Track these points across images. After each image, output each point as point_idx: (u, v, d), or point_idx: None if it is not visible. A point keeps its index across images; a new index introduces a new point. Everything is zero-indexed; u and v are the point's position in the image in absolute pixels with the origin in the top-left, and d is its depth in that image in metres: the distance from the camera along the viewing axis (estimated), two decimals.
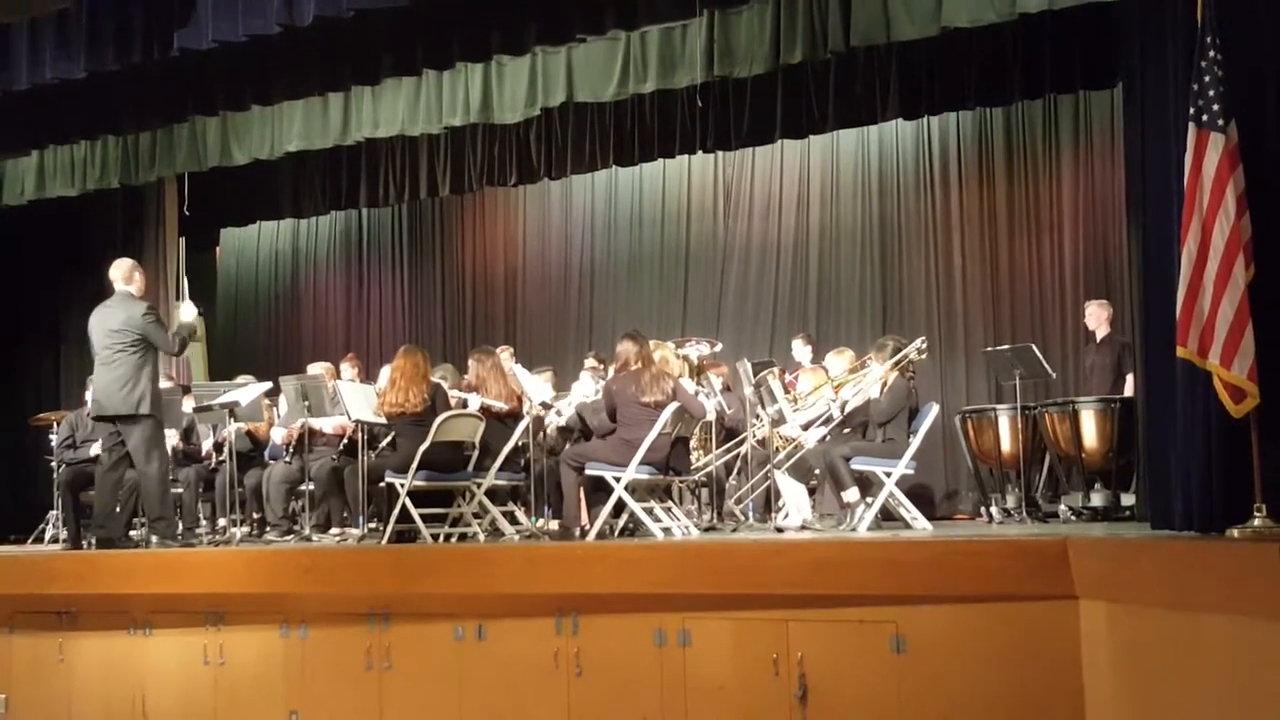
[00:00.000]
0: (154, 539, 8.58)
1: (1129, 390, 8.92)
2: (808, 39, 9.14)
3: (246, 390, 9.63)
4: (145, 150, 11.51)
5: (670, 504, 8.67)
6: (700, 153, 12.09)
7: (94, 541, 8.74)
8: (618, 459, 7.83)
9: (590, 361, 10.54)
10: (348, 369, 10.71)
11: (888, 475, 7.93)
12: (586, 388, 9.42)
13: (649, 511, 8.04)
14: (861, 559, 6.13)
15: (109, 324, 8.50)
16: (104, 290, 12.86)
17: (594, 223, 13.79)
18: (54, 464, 10.42)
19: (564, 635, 6.71)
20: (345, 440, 9.68)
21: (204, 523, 10.45)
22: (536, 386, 9.57)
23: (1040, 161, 11.56)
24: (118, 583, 8.07)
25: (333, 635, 7.46)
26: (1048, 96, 10.92)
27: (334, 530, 9.50)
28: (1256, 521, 4.84)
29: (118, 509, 8.73)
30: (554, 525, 8.87)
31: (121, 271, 8.73)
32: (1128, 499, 8.68)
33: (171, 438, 9.62)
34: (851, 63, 10.47)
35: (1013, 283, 11.59)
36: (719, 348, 10.53)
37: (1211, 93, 5.04)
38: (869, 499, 8.01)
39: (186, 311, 8.87)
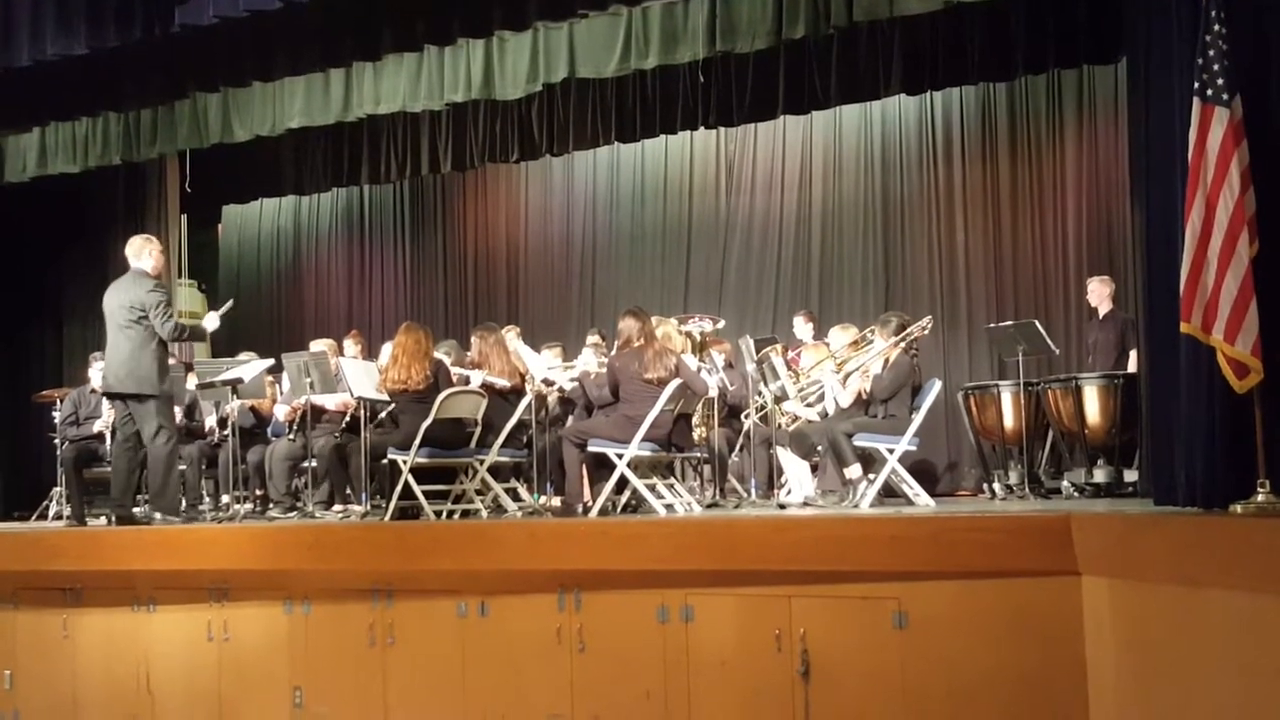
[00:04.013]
0: (157, 515, 8.59)
1: (1132, 366, 8.92)
2: (810, 14, 9.09)
3: (249, 367, 9.63)
4: (147, 127, 11.48)
5: (673, 480, 8.67)
6: (702, 129, 12.06)
7: (113, 519, 8.73)
8: (620, 436, 7.83)
9: (593, 338, 10.52)
10: (351, 346, 10.70)
11: (890, 452, 7.93)
12: (590, 363, 9.42)
13: (651, 488, 8.04)
14: (864, 535, 6.14)
15: (120, 300, 8.55)
16: (105, 267, 12.96)
17: (596, 199, 13.77)
18: (57, 441, 10.42)
19: (567, 611, 6.73)
20: (348, 417, 9.68)
21: (207, 499, 10.48)
22: (539, 363, 9.57)
23: (1043, 137, 11.52)
24: (122, 559, 8.10)
25: (336, 612, 7.48)
26: (1051, 71, 10.87)
27: (337, 507, 9.51)
28: (1260, 497, 4.85)
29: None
30: (556, 502, 8.88)
31: (133, 248, 8.77)
32: (1131, 475, 8.68)
33: (175, 414, 9.61)
34: (854, 38, 10.43)
35: (1016, 258, 11.56)
36: (721, 324, 10.53)
37: (1216, 67, 5.02)
38: (871, 475, 8.01)
39: (210, 321, 8.89)
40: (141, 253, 8.70)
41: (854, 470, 7.95)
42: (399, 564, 7.27)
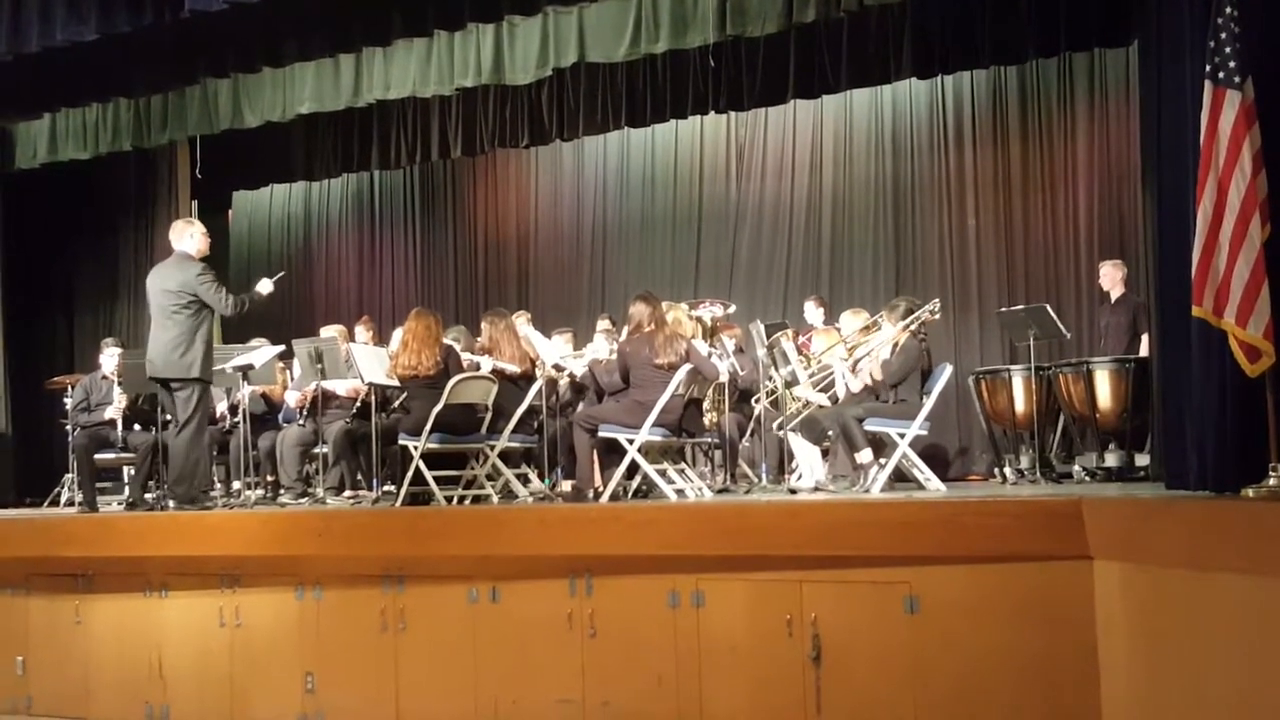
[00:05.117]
0: (171, 503, 8.59)
1: (1144, 350, 8.90)
2: None
3: (260, 353, 9.63)
4: (157, 113, 11.50)
5: (683, 465, 8.67)
6: (713, 113, 12.03)
7: (172, 504, 8.72)
8: (631, 421, 7.83)
9: (604, 323, 10.52)
10: (362, 331, 10.71)
11: (901, 436, 7.92)
12: (601, 350, 9.41)
13: (662, 473, 8.04)
14: (875, 520, 6.13)
15: (166, 285, 8.49)
16: (116, 253, 12.99)
17: (606, 184, 13.76)
18: (69, 427, 10.45)
19: (578, 597, 6.73)
20: (359, 403, 9.69)
21: (218, 485, 10.49)
22: (550, 349, 9.57)
23: (1055, 120, 11.48)
24: (133, 545, 8.12)
25: (347, 597, 7.49)
26: (1063, 54, 10.80)
27: (348, 493, 9.52)
28: (1271, 481, 4.82)
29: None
30: (567, 487, 8.88)
31: (175, 231, 8.75)
32: (1142, 459, 8.66)
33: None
34: (865, 21, 10.39)
35: (1027, 243, 11.53)
36: (732, 309, 10.50)
37: (1228, 49, 4.99)
38: (882, 460, 8.00)
39: (263, 285, 8.81)
40: (184, 235, 8.65)
41: (865, 455, 7.95)
42: (410, 549, 7.28)
